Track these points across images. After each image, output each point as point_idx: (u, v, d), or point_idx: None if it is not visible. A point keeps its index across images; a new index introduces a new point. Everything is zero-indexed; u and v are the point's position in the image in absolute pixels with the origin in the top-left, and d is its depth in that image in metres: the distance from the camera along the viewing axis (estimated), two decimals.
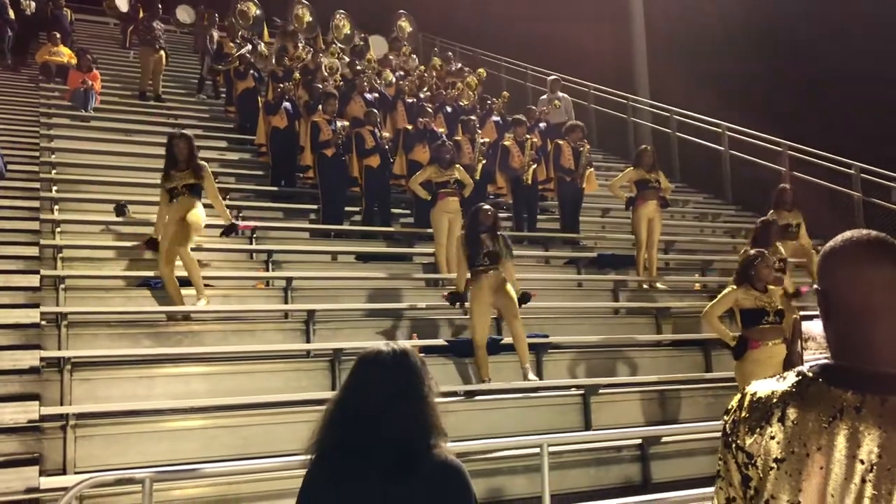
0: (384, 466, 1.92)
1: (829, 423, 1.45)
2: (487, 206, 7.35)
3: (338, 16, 14.90)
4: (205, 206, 7.52)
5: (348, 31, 14.93)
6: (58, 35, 13.84)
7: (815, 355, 1.56)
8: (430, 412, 2.01)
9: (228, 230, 7.80)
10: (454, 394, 6.92)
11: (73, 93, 12.24)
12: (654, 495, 5.76)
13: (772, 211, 9.22)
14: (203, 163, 7.57)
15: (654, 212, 9.49)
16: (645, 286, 9.66)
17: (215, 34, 14.70)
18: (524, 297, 7.25)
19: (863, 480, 1.40)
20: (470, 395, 6.93)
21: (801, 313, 3.84)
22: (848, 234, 1.57)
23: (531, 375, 7.04)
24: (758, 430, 1.52)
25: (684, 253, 11.36)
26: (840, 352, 1.53)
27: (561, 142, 10.87)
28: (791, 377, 1.56)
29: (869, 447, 1.41)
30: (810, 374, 1.53)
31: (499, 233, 7.24)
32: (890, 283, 1.50)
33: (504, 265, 7.14)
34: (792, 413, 1.49)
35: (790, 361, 5.11)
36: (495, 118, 12.18)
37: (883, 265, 1.50)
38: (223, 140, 12.44)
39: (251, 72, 12.26)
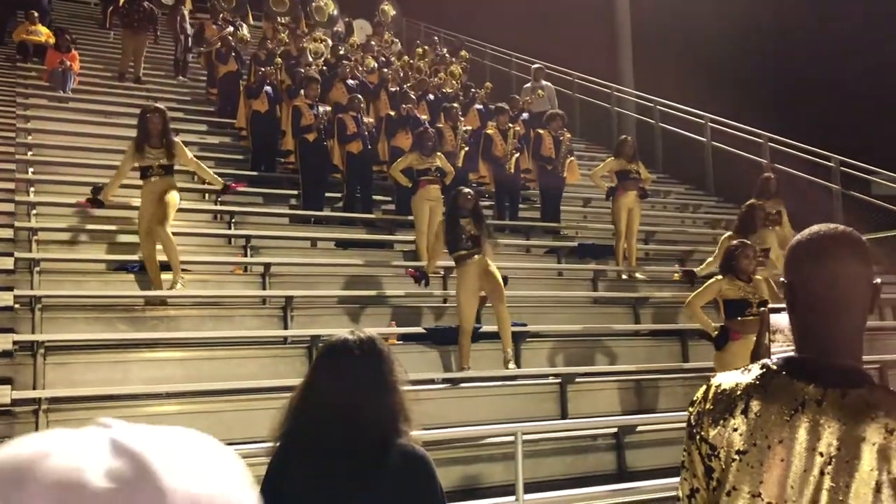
0: (351, 456, 1.91)
1: (790, 415, 1.46)
2: (467, 190, 7.34)
3: None
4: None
5: (332, 13, 14.80)
6: (35, 14, 13.63)
7: (781, 348, 1.56)
8: (397, 401, 1.99)
9: (223, 191, 8.03)
10: (432, 381, 6.92)
11: (50, 73, 12.08)
12: (629, 483, 5.81)
13: (754, 199, 9.27)
14: (175, 139, 7.49)
15: (634, 202, 9.52)
16: (624, 276, 9.69)
17: (186, 13, 14.49)
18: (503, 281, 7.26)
19: (821, 473, 1.41)
20: (448, 382, 6.94)
21: (770, 306, 3.84)
22: (815, 227, 1.57)
23: (511, 365, 7.03)
24: (721, 421, 1.53)
25: (665, 243, 11.40)
26: (804, 344, 1.54)
27: (541, 131, 10.86)
28: (755, 369, 1.57)
29: (828, 440, 1.42)
30: (774, 367, 1.54)
31: (480, 216, 7.23)
32: (853, 277, 1.50)
33: (484, 247, 7.13)
34: (755, 405, 1.50)
35: (757, 354, 5.13)
36: (478, 106, 12.14)
37: (847, 259, 1.51)
38: (203, 123, 12.33)
39: (232, 55, 12.14)
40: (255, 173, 10.74)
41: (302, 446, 1.98)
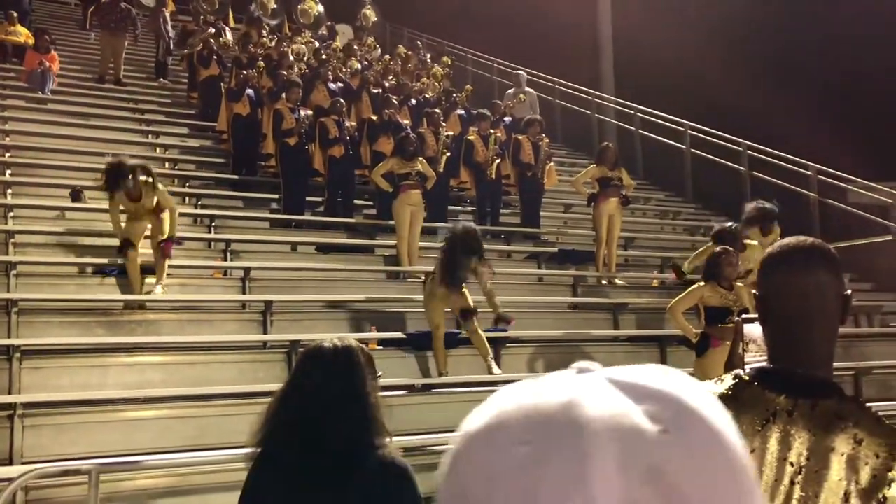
0: (326, 465, 1.91)
1: (762, 425, 1.48)
2: (477, 229, 7.28)
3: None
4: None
5: (317, 13, 14.77)
6: (15, 14, 13.51)
7: (755, 357, 1.60)
8: (372, 411, 1.99)
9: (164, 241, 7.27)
10: (412, 387, 6.92)
11: (29, 74, 11.97)
12: None
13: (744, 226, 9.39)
14: (153, 185, 7.20)
15: (615, 209, 9.57)
16: (603, 282, 9.74)
17: (168, 15, 14.43)
18: (501, 318, 7.24)
19: (791, 482, 1.43)
20: (428, 388, 6.94)
21: (743, 316, 3.89)
22: (786, 240, 1.60)
23: (496, 369, 7.03)
24: None
25: (644, 250, 11.47)
26: (776, 355, 1.57)
27: (520, 136, 10.91)
28: (728, 380, 1.59)
29: (798, 450, 1.44)
30: (746, 378, 1.56)
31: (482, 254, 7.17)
32: (824, 289, 1.53)
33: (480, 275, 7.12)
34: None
35: (731, 363, 5.18)
36: (460, 111, 12.17)
37: (817, 272, 1.54)
38: (184, 126, 12.27)
39: (214, 58, 12.09)
40: (235, 177, 10.69)
41: (279, 453, 1.97)
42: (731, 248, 6.57)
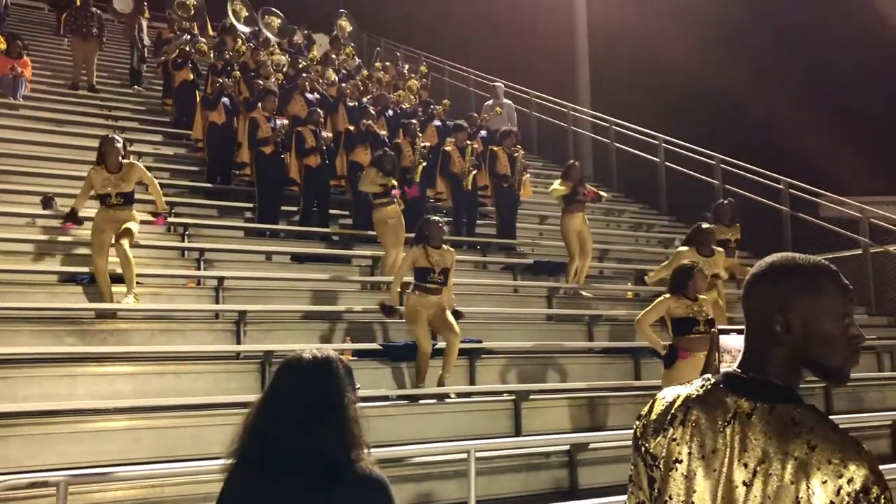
0: (302, 478, 1.89)
1: (723, 427, 1.53)
2: (437, 218, 7.27)
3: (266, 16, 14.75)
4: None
5: (279, 24, 14.76)
6: None
7: (729, 368, 1.62)
8: (351, 423, 1.98)
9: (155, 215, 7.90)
10: (387, 398, 6.90)
11: (1, 79, 11.82)
12: (581, 501, 5.83)
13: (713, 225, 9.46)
14: (132, 162, 7.46)
15: (582, 224, 9.64)
16: (571, 292, 9.78)
17: (144, 23, 14.34)
18: (456, 314, 7.23)
19: (746, 484, 1.47)
20: (403, 399, 6.92)
21: (719, 327, 3.93)
22: (770, 258, 1.64)
23: (444, 382, 7.03)
24: (662, 432, 1.61)
25: (618, 261, 11.55)
26: (745, 363, 1.61)
27: (496, 148, 10.96)
28: (697, 383, 1.65)
29: (755, 452, 1.48)
30: (714, 381, 1.61)
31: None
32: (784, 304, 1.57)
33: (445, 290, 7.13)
34: (693, 416, 1.58)
35: (706, 373, 5.24)
36: (437, 123, 12.20)
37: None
38: (159, 134, 12.18)
39: (189, 63, 12.02)
40: (210, 185, 10.63)
41: (255, 465, 1.95)
42: (696, 263, 6.66)
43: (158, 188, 7.78)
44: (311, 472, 1.89)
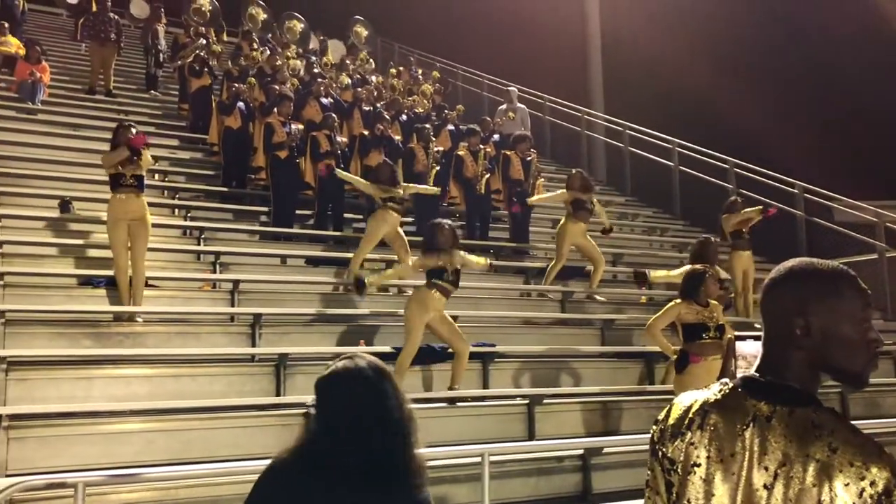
0: (364, 483, 1.86)
1: (742, 431, 1.53)
2: (446, 222, 7.23)
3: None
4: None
5: (302, 29, 14.87)
6: (6, 25, 13.51)
7: (746, 373, 1.64)
8: (413, 430, 1.96)
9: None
10: None
11: (20, 84, 11.97)
12: None
13: (725, 215, 9.57)
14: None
15: (582, 233, 9.45)
16: (584, 296, 9.76)
17: (160, 29, 14.47)
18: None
19: (766, 487, 1.47)
20: (416, 402, 6.92)
21: (736, 333, 3.93)
22: (789, 262, 1.65)
23: (457, 386, 7.01)
24: (679, 436, 1.61)
25: (632, 266, 11.50)
26: (763, 367, 1.61)
27: (509, 152, 10.96)
28: (716, 387, 1.65)
29: (775, 455, 1.48)
30: (732, 385, 1.62)
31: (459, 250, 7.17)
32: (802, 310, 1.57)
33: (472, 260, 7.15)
34: (711, 420, 1.58)
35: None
36: (450, 127, 12.23)
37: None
38: (175, 138, 12.28)
39: (206, 69, 12.12)
40: (225, 189, 10.70)
41: (311, 471, 1.88)
42: (710, 267, 6.63)
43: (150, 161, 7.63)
44: (374, 478, 1.85)
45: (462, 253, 7.09)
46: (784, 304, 1.58)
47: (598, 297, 9.75)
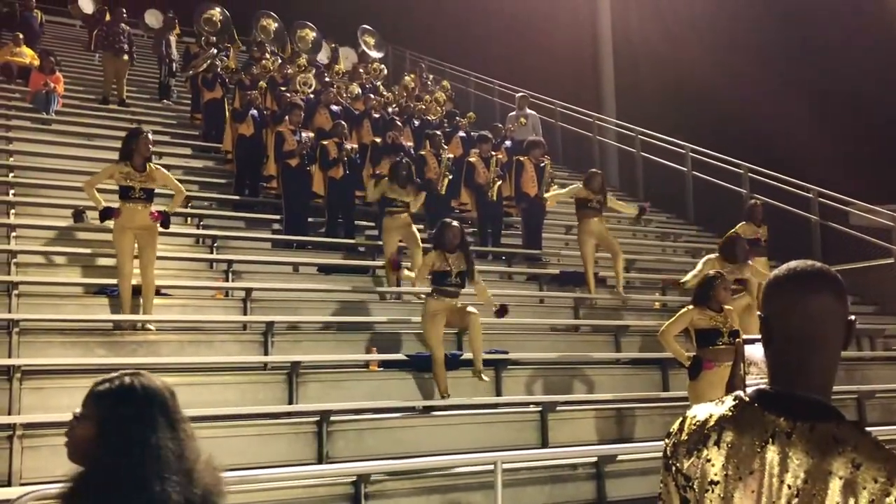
0: None
1: (761, 447, 1.49)
2: (455, 223, 7.29)
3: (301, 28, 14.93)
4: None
5: (314, 38, 14.93)
6: (21, 36, 13.62)
7: (756, 380, 1.60)
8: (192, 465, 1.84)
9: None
10: (413, 409, 6.90)
11: (34, 95, 12.05)
12: None
13: (743, 223, 9.50)
14: (158, 167, 7.49)
15: (598, 228, 9.50)
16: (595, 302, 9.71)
17: (172, 39, 14.55)
18: (502, 311, 7.27)
19: None
20: (429, 410, 6.91)
21: (745, 337, 3.89)
22: (792, 263, 1.61)
23: (484, 377, 7.00)
24: (695, 452, 1.56)
25: (645, 272, 11.46)
26: (777, 377, 1.58)
27: (523, 158, 10.94)
28: (729, 401, 1.61)
29: (796, 472, 1.45)
30: (747, 399, 1.58)
31: (468, 251, 7.23)
32: (829, 314, 1.54)
33: (475, 286, 7.18)
34: (728, 436, 1.54)
35: (732, 385, 5.16)
36: (461, 134, 12.23)
37: (821, 297, 1.55)
38: (188, 147, 12.34)
39: (218, 81, 12.18)
40: (238, 198, 10.73)
41: None
42: (721, 273, 6.60)
43: (182, 196, 7.76)
44: None
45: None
46: (832, 309, 1.55)
47: (622, 302, 9.66)
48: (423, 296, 7.68)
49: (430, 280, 7.15)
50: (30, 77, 12.43)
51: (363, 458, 6.04)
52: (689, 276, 7.93)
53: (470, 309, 7.02)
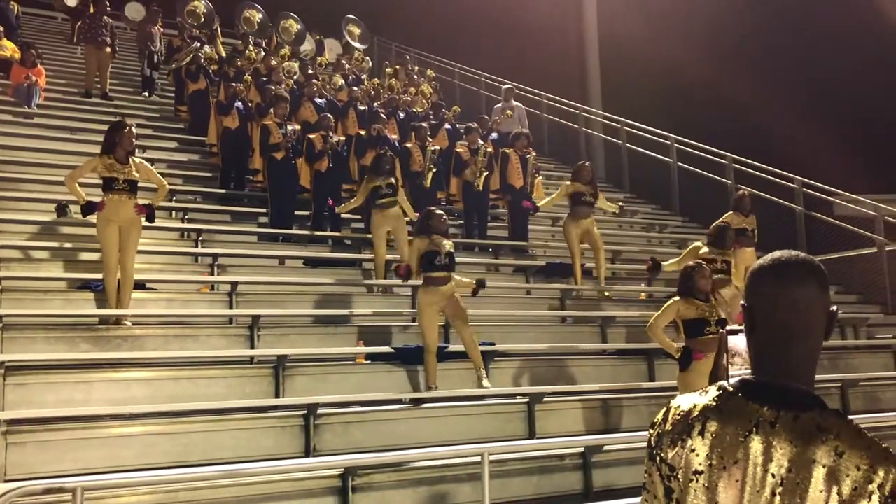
0: None
1: (745, 437, 1.50)
2: (440, 211, 7.32)
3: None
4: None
5: (298, 30, 14.84)
6: (1, 29, 13.47)
7: (739, 370, 1.60)
8: None
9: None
10: (400, 401, 6.91)
11: (15, 88, 11.92)
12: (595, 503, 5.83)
13: (730, 212, 9.55)
14: (142, 161, 7.44)
15: (587, 223, 9.54)
16: (588, 292, 9.74)
17: (155, 31, 14.43)
18: (481, 283, 7.28)
19: (773, 494, 1.44)
20: (417, 402, 6.92)
21: (728, 328, 3.91)
22: (776, 253, 1.61)
23: (485, 382, 7.03)
24: (679, 442, 1.57)
25: (631, 262, 11.50)
26: (760, 367, 1.58)
27: (508, 150, 10.94)
28: (713, 391, 1.61)
29: (780, 462, 1.45)
30: (730, 389, 1.58)
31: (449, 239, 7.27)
32: (811, 304, 1.55)
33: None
34: (712, 426, 1.54)
35: (715, 376, 5.18)
36: (447, 126, 12.21)
37: (804, 287, 1.55)
38: (172, 140, 12.25)
39: (202, 73, 12.09)
40: (223, 191, 10.67)
41: None
42: (701, 262, 6.63)
43: (166, 190, 7.72)
44: None
45: (456, 277, 7.19)
46: (815, 299, 1.55)
47: (607, 294, 9.70)
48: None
49: (420, 267, 7.13)
50: (11, 70, 12.30)
51: (350, 451, 6.04)
52: (671, 262, 8.01)
53: (465, 315, 7.02)
